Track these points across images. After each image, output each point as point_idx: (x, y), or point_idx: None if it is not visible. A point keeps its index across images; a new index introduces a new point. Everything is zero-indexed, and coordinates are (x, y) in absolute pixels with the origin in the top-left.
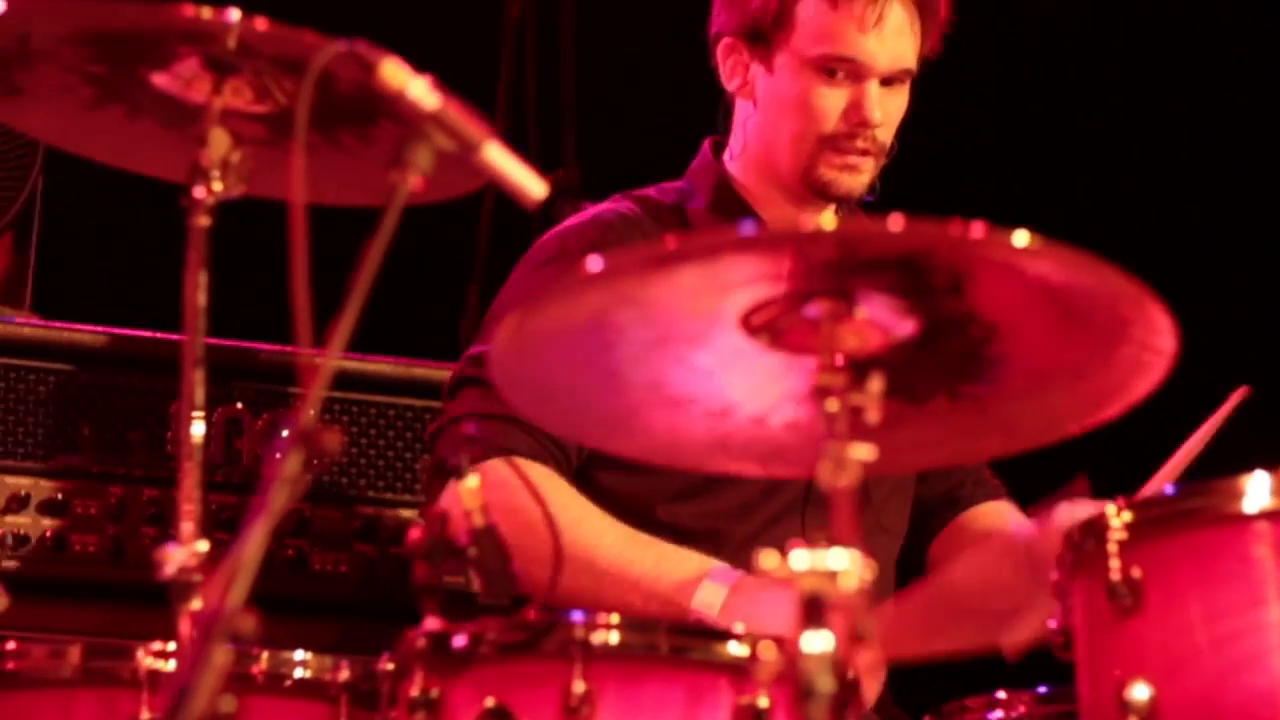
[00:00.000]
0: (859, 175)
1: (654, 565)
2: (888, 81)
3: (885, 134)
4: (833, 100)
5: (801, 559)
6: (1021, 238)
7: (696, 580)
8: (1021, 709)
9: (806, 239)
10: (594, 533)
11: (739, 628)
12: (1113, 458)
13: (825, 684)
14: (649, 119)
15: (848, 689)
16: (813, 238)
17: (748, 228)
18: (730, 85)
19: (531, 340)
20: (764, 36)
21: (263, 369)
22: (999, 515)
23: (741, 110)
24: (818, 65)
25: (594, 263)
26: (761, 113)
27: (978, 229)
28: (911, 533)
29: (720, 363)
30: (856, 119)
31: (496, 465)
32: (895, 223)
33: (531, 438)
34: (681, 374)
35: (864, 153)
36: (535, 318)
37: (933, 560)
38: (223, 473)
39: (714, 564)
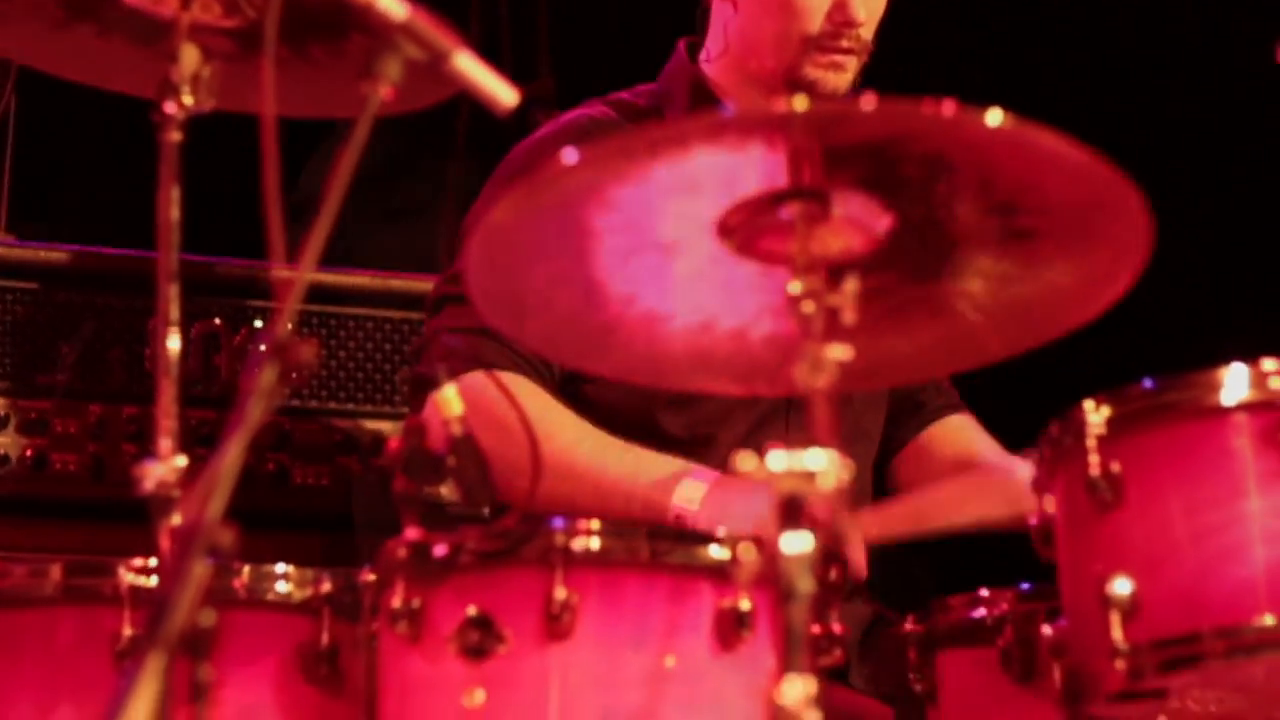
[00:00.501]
0: (843, 73)
1: (632, 468)
2: None
3: (868, 32)
4: (817, 0)
5: (779, 460)
6: (995, 116)
7: (675, 480)
8: (1004, 606)
9: (780, 121)
10: (572, 440)
11: (720, 531)
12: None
13: (805, 585)
14: (624, 26)
15: (832, 581)
16: (786, 119)
17: (719, 113)
18: None
19: (505, 252)
20: None
21: (240, 284)
22: (965, 436)
23: (720, 11)
24: None
25: (568, 155)
26: (743, 13)
27: (950, 106)
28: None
29: (697, 273)
30: (841, 18)
31: (475, 377)
32: (869, 102)
33: (511, 351)
34: (659, 285)
35: (848, 51)
36: (508, 224)
37: (897, 475)
38: (201, 388)
39: (692, 466)
